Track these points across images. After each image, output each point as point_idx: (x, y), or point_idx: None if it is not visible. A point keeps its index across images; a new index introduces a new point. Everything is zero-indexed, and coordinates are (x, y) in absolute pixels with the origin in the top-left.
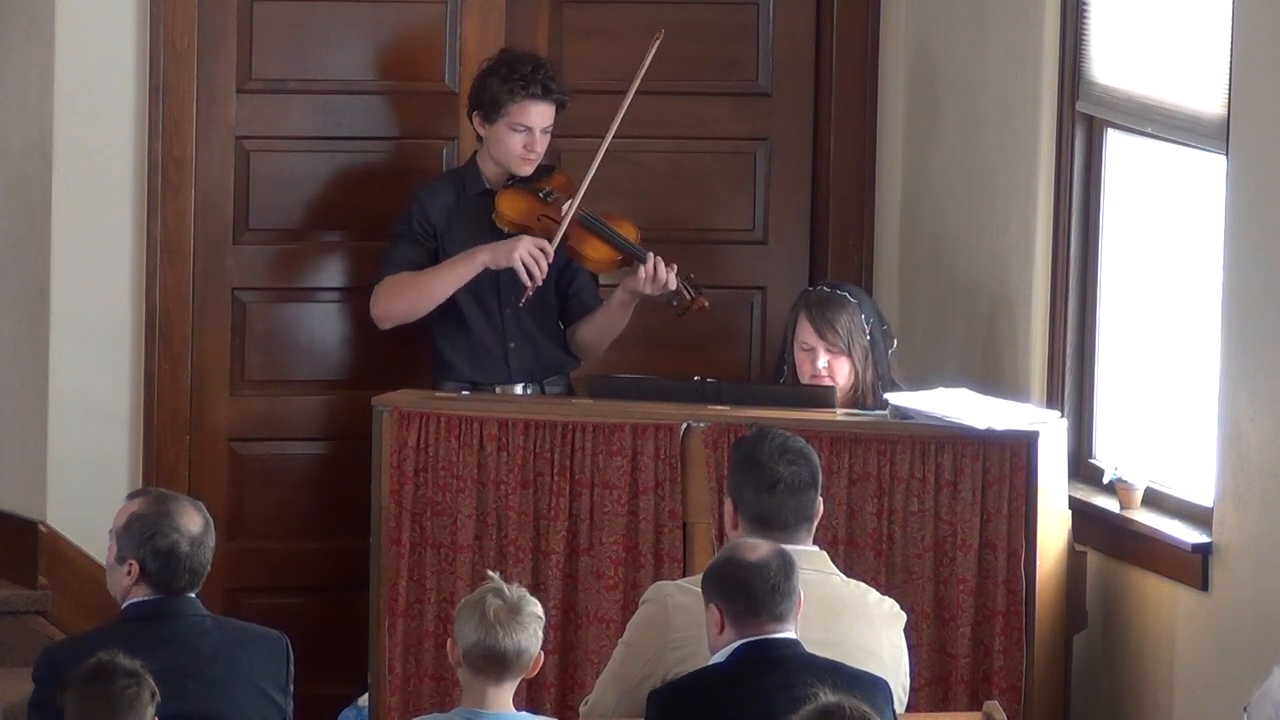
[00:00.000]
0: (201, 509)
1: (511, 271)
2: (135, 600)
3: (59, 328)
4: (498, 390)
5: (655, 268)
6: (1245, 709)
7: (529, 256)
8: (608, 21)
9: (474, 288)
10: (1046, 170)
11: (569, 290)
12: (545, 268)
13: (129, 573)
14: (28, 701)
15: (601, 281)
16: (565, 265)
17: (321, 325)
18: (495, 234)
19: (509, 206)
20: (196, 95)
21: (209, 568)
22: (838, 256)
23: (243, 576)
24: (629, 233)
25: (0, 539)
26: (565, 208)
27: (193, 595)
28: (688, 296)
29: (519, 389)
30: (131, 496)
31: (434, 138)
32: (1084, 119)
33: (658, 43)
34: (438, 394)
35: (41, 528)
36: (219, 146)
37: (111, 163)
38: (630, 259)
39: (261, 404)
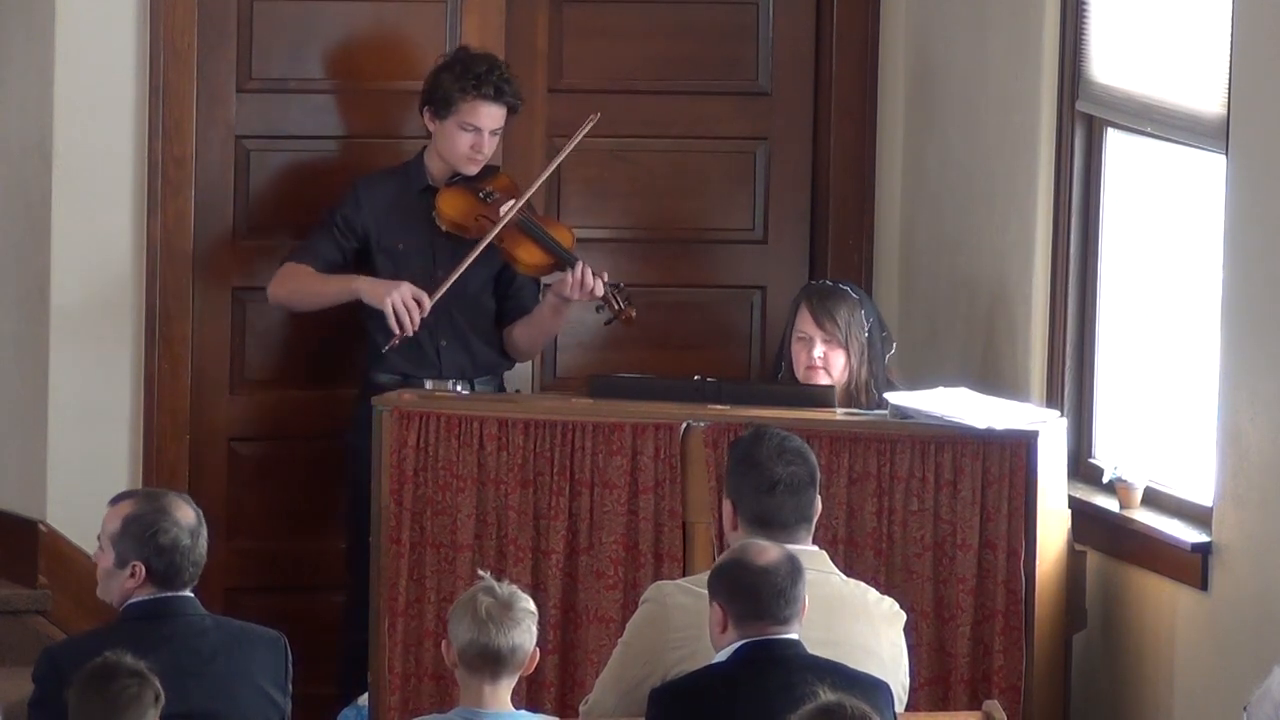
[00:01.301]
0: (190, 501)
1: (450, 265)
2: (135, 600)
3: (59, 328)
4: (428, 385)
5: (582, 275)
6: (1245, 709)
7: (401, 304)
8: (608, 21)
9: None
10: (1046, 170)
11: (508, 291)
12: (417, 320)
13: (133, 575)
14: (28, 701)
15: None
16: (504, 267)
17: (321, 325)
18: (433, 230)
19: (448, 205)
20: (196, 95)
21: (205, 560)
22: (838, 256)
23: (242, 576)
24: (564, 238)
25: (0, 539)
26: (504, 209)
27: (191, 594)
28: (616, 306)
29: (450, 384)
30: (116, 501)
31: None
32: (1084, 118)
33: (591, 124)
34: (437, 393)
35: (41, 527)
36: (219, 146)
37: (111, 163)
38: (562, 264)
39: (261, 404)
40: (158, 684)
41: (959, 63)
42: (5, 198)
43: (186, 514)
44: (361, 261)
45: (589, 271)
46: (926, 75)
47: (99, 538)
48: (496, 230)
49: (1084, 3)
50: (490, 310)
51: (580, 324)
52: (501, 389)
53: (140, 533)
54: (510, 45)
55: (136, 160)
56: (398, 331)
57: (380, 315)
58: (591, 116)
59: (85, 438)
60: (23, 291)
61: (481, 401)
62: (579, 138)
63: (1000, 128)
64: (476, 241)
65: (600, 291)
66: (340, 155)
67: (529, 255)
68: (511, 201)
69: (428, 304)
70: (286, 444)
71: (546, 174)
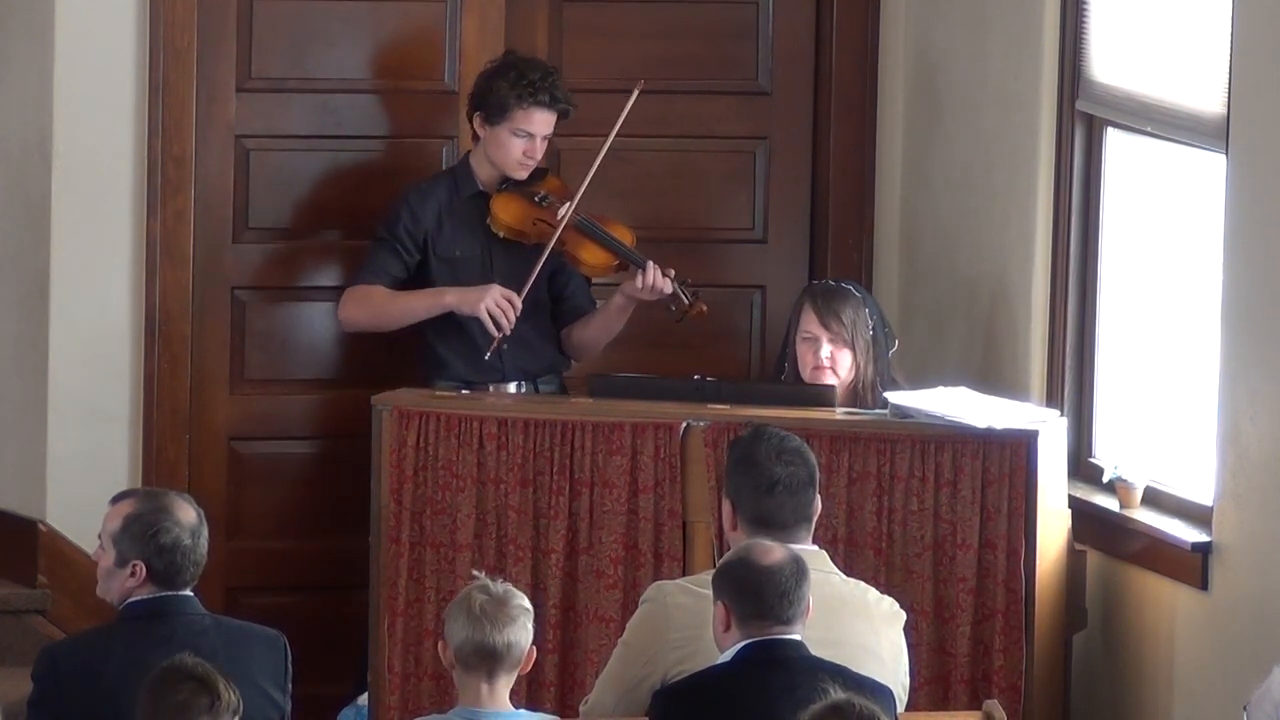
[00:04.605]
0: (191, 501)
1: (508, 270)
2: (135, 599)
3: (59, 328)
4: (491, 389)
5: (652, 273)
6: (1245, 708)
7: (495, 307)
8: (608, 21)
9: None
10: (1046, 169)
11: (563, 294)
12: (513, 318)
13: (133, 574)
14: (27, 701)
15: (595, 282)
16: (559, 269)
17: (321, 324)
18: (489, 236)
19: (504, 210)
20: (196, 95)
21: (205, 560)
22: (838, 256)
23: (242, 575)
24: (625, 237)
25: (0, 538)
26: (561, 212)
27: (191, 594)
28: (685, 301)
29: (513, 388)
30: (117, 500)
31: (433, 137)
32: (1084, 118)
33: (637, 93)
34: (437, 393)
35: (41, 527)
36: (219, 146)
37: (111, 162)
38: (626, 264)
39: (261, 403)
40: (236, 698)
41: (959, 62)
42: (5, 198)
43: (187, 513)
44: (419, 271)
45: (658, 270)
46: (926, 75)
47: (99, 536)
48: (558, 233)
49: (1084, 3)
50: (548, 310)
51: None
52: (563, 389)
53: (141, 532)
54: (510, 45)
55: (136, 160)
56: (495, 334)
57: (445, 324)
58: (639, 84)
59: (85, 438)
60: (23, 291)
61: (481, 401)
62: (626, 109)
63: (1000, 127)
64: (539, 246)
65: (669, 289)
66: (340, 155)
67: (592, 256)
68: (567, 204)
69: (519, 302)
70: (286, 444)
71: (594, 169)
